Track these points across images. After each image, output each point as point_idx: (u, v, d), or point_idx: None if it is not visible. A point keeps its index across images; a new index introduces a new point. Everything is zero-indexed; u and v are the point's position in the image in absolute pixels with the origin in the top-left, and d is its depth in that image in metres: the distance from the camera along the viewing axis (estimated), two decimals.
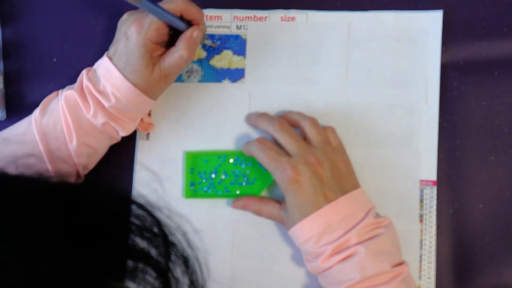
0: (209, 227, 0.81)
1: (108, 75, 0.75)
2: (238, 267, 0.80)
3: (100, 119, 0.75)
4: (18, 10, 0.86)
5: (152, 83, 0.76)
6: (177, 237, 0.49)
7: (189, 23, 0.77)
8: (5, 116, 0.84)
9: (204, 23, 0.78)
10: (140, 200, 0.49)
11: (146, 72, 0.75)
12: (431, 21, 0.81)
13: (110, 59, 0.75)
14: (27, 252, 0.42)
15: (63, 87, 0.78)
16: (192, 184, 0.81)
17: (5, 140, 0.77)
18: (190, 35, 0.76)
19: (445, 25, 0.81)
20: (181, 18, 0.76)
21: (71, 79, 0.79)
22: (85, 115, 0.76)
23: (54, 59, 0.85)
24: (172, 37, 0.77)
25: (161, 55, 0.76)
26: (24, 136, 0.77)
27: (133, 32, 0.74)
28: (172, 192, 0.81)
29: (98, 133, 0.77)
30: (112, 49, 0.76)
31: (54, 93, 0.79)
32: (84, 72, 0.77)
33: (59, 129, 0.76)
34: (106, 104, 0.75)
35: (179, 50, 0.75)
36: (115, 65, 0.75)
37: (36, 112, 0.77)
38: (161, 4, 0.75)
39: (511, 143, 0.80)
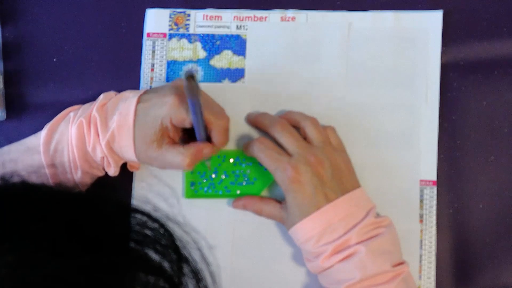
0: (209, 227, 0.81)
1: (124, 116, 0.74)
2: (238, 267, 0.80)
3: (98, 154, 0.75)
4: (18, 10, 0.86)
5: (144, 150, 0.74)
6: (190, 252, 0.49)
7: (208, 138, 0.75)
8: (5, 116, 0.84)
9: (219, 150, 0.77)
10: (156, 214, 0.48)
11: (147, 139, 0.74)
12: (431, 21, 0.81)
13: (138, 102, 0.74)
14: (35, 256, 0.43)
15: (63, 87, 0.78)
16: (192, 184, 0.81)
17: (29, 149, 0.76)
18: (201, 150, 0.74)
19: (445, 25, 0.81)
20: (206, 129, 0.74)
21: (71, 79, 0.79)
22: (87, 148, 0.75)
23: (54, 59, 0.85)
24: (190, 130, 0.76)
25: (172, 141, 0.75)
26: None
27: (168, 102, 0.73)
28: (172, 192, 0.81)
29: (100, 167, 0.77)
30: (148, 95, 0.75)
31: (64, 113, 0.78)
32: (101, 96, 0.76)
33: (65, 157, 0.75)
34: (102, 139, 0.74)
35: (184, 155, 0.74)
36: (136, 111, 0.73)
37: (44, 134, 0.76)
38: (204, 106, 0.72)
39: (511, 143, 0.80)
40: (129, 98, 0.75)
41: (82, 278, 0.43)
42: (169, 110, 0.73)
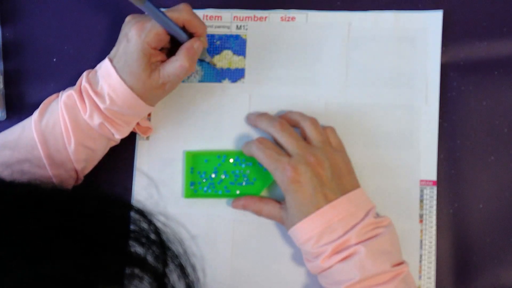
0: (209, 227, 0.81)
1: (106, 76, 0.75)
2: (238, 267, 0.80)
3: (96, 120, 0.75)
4: (18, 10, 0.86)
5: (149, 88, 0.75)
6: (173, 243, 0.49)
7: (191, 35, 0.76)
8: (5, 116, 0.84)
9: (205, 37, 0.78)
10: (138, 206, 0.49)
11: (143, 76, 0.74)
12: (431, 21, 0.81)
13: (111, 60, 0.75)
14: (20, 257, 0.42)
15: (63, 87, 0.78)
16: (192, 184, 0.81)
17: (0, 145, 0.77)
18: (191, 45, 0.75)
19: (445, 25, 0.81)
20: (183, 29, 0.76)
21: (71, 79, 0.79)
22: (83, 116, 0.76)
23: (54, 59, 0.85)
24: (173, 46, 0.77)
25: (162, 62, 0.76)
26: (18, 142, 0.77)
27: (133, 35, 0.74)
28: (172, 192, 0.81)
29: (96, 135, 0.77)
30: (113, 50, 0.76)
31: (54, 95, 0.79)
32: (84, 73, 0.77)
33: (58, 131, 0.76)
34: (101, 105, 0.75)
35: (180, 60, 0.75)
36: (114, 67, 0.75)
37: (36, 114, 0.77)
38: (165, 11, 0.74)
39: (511, 143, 0.80)
40: (102, 63, 0.76)
41: (77, 276, 0.43)
42: (140, 39, 0.73)
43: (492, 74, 0.81)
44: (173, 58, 0.75)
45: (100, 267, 0.44)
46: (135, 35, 0.74)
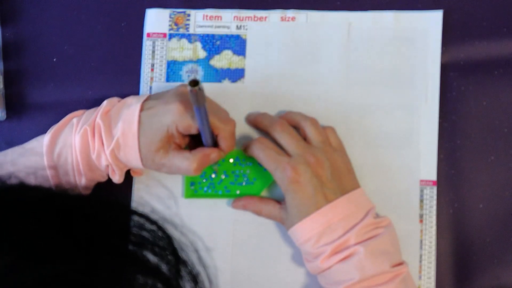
0: (209, 227, 0.81)
1: (128, 130, 0.73)
2: (238, 267, 0.80)
3: (103, 162, 0.75)
4: (18, 10, 0.86)
5: (150, 157, 0.74)
6: (188, 254, 0.49)
7: (215, 143, 0.75)
8: (5, 116, 0.84)
9: (225, 154, 0.76)
10: (153, 216, 0.49)
11: (153, 146, 0.73)
12: (431, 21, 0.81)
13: (141, 110, 0.74)
14: (32, 258, 0.43)
15: (63, 87, 0.78)
16: (192, 184, 0.81)
17: (25, 151, 0.76)
18: (209, 154, 0.74)
19: (445, 25, 0.81)
20: (213, 134, 0.75)
21: (71, 79, 0.79)
22: (92, 156, 0.75)
23: (54, 59, 0.85)
24: (194, 137, 0.76)
25: (175, 147, 0.75)
26: (42, 149, 0.76)
27: (172, 109, 0.72)
28: (172, 192, 0.81)
29: (104, 173, 0.77)
30: (151, 103, 0.75)
31: (67, 119, 0.77)
32: (105, 103, 0.76)
33: (70, 166, 0.75)
34: (106, 150, 0.74)
35: (191, 161, 0.74)
36: (139, 118, 0.73)
37: (47, 139, 0.75)
38: (212, 111, 0.72)
39: (511, 143, 0.80)
40: (132, 105, 0.75)
41: (79, 280, 0.43)
42: (174, 118, 0.72)
43: (492, 74, 0.81)
44: (186, 154, 0.74)
45: (104, 270, 0.44)
46: (173, 113, 0.72)
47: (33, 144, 0.77)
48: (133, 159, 0.74)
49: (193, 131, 0.73)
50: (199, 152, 0.74)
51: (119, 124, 0.74)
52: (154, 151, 0.74)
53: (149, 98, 0.76)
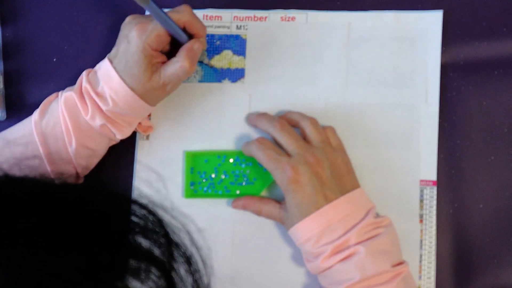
0: (209, 227, 0.81)
1: (107, 77, 0.75)
2: (238, 267, 0.80)
3: (98, 121, 0.75)
4: (18, 10, 0.86)
5: (150, 89, 0.75)
6: (180, 236, 0.49)
7: (191, 37, 0.76)
8: (5, 116, 0.84)
9: (205, 38, 0.78)
10: (143, 201, 0.49)
11: (144, 77, 0.74)
12: (431, 21, 0.81)
13: (111, 61, 0.75)
14: (28, 251, 0.43)
15: (63, 87, 0.78)
16: (192, 184, 0.81)
17: (9, 142, 0.77)
18: (191, 46, 0.75)
19: (445, 25, 0.81)
20: (184, 30, 0.76)
21: (71, 79, 0.79)
22: (84, 117, 0.76)
23: (54, 59, 0.85)
24: (173, 48, 0.77)
25: (162, 63, 0.76)
26: (27, 138, 0.76)
27: (134, 36, 0.74)
28: (172, 192, 0.81)
29: (96, 135, 0.77)
30: (113, 51, 0.76)
31: (53, 95, 0.79)
32: (84, 73, 0.77)
33: (59, 131, 0.76)
34: (103, 107, 0.75)
35: (180, 61, 0.75)
36: (115, 68, 0.75)
37: (36, 114, 0.77)
38: (167, 12, 0.74)
39: (511, 143, 0.80)
40: (102, 64, 0.76)
41: (75, 273, 0.43)
42: (141, 40, 0.73)
43: (492, 74, 0.81)
44: (174, 59, 0.75)
45: (103, 260, 0.44)
46: (136, 36, 0.74)
47: (17, 131, 0.78)
48: (135, 105, 0.75)
49: (164, 38, 0.74)
50: (183, 50, 0.75)
51: (100, 83, 0.75)
52: (146, 82, 0.74)
53: (110, 53, 0.77)
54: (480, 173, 0.80)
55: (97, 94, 0.75)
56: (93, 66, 0.78)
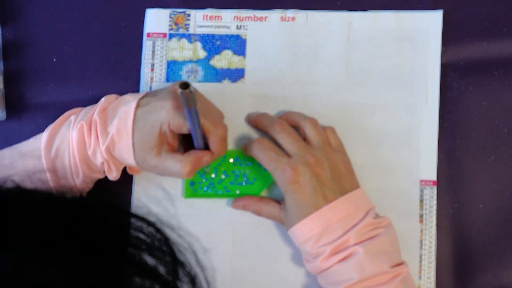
0: (209, 227, 0.81)
1: (123, 125, 0.73)
2: (238, 267, 0.80)
3: (99, 159, 0.75)
4: (18, 10, 0.86)
5: (143, 159, 0.74)
6: (185, 256, 0.49)
7: (206, 145, 0.75)
8: (5, 116, 0.84)
9: (217, 158, 0.75)
10: (151, 218, 0.48)
11: (146, 145, 0.73)
12: (431, 21, 0.81)
13: (137, 106, 0.74)
14: (29, 262, 0.43)
15: (63, 87, 0.78)
16: (192, 184, 0.81)
17: (22, 154, 0.76)
18: (201, 157, 0.74)
19: (445, 25, 0.81)
20: (204, 136, 0.74)
21: (71, 79, 0.79)
22: (88, 152, 0.75)
23: (54, 59, 0.85)
24: (186, 138, 0.75)
25: (168, 149, 0.74)
26: (40, 152, 0.76)
27: (165, 106, 0.72)
28: (172, 192, 0.81)
29: (101, 170, 0.77)
30: (146, 99, 0.74)
31: (64, 117, 0.77)
32: (103, 100, 0.76)
33: (67, 162, 0.75)
34: (102, 146, 0.74)
35: (183, 164, 0.73)
36: (135, 115, 0.73)
37: (45, 137, 0.76)
38: (203, 114, 0.72)
39: (511, 143, 0.80)
40: (129, 102, 0.75)
41: (76, 285, 0.43)
42: (167, 115, 0.72)
43: (492, 74, 0.81)
44: (179, 157, 0.74)
45: (110, 274, 0.44)
46: (165, 109, 0.72)
47: (30, 144, 0.77)
48: (127, 157, 0.74)
49: (185, 130, 0.73)
50: (192, 155, 0.74)
51: (115, 120, 0.74)
52: (147, 150, 0.73)
53: (146, 95, 0.76)
54: (480, 173, 0.80)
55: (103, 133, 0.74)
56: (93, 66, 0.78)
